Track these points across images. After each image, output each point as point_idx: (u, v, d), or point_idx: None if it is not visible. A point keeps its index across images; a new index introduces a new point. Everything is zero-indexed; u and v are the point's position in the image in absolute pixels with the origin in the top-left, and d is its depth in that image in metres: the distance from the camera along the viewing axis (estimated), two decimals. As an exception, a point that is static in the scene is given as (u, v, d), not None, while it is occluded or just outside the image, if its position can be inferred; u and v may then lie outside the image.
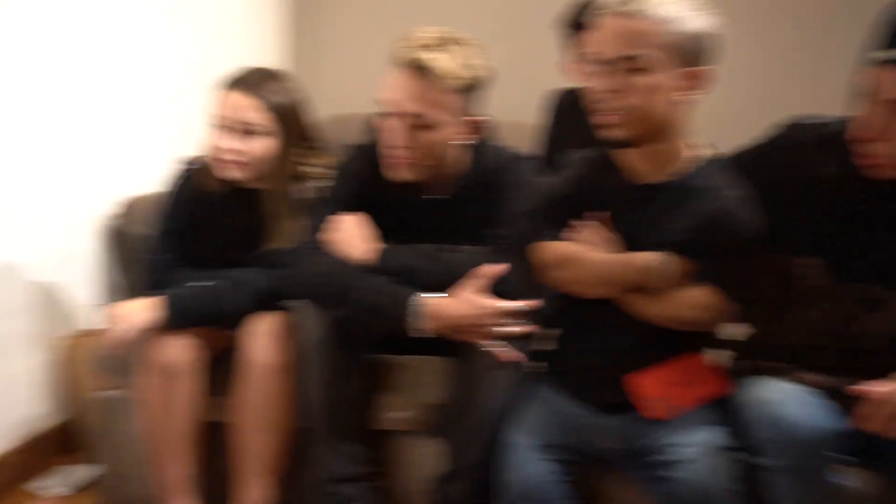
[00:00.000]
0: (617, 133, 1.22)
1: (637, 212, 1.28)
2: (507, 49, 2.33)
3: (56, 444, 1.90)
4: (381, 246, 1.42)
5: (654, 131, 1.23)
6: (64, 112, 1.86)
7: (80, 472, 1.83)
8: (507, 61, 2.30)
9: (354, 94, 2.41)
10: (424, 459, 1.50)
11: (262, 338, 1.47)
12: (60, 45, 1.83)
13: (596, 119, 1.24)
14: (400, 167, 1.41)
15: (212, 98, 1.59)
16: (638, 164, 1.28)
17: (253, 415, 1.47)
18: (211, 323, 1.53)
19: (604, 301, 1.27)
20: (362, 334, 1.43)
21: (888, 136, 1.14)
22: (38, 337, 1.86)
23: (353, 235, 1.43)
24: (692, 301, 1.24)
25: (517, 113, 1.97)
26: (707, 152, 1.30)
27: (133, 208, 1.97)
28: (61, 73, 1.84)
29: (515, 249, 1.36)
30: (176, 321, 1.47)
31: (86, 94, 1.92)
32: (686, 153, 1.28)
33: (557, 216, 1.32)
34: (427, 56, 1.34)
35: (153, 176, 2.15)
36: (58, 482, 1.79)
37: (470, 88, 1.39)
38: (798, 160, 1.28)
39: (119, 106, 2.04)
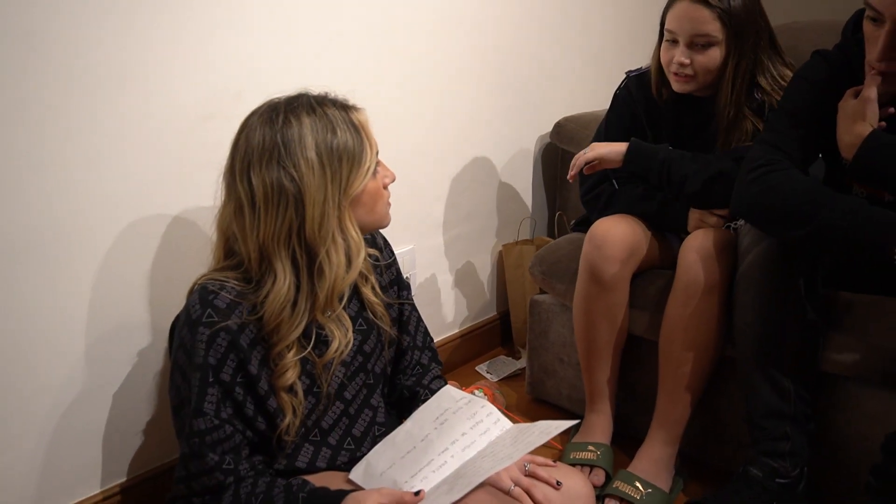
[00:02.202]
0: None
1: None
2: None
3: (496, 335, 2.16)
4: (875, 134, 1.21)
5: None
6: (519, 35, 2.00)
7: (511, 364, 2.04)
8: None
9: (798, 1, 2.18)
10: (877, 412, 1.32)
11: (697, 254, 1.43)
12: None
13: None
14: (886, 79, 1.20)
15: (662, 11, 1.55)
16: None
17: (680, 332, 1.46)
18: (655, 183, 1.53)
19: None
20: (814, 260, 1.29)
21: None
22: (490, 239, 2.10)
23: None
24: None
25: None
26: None
27: (566, 127, 2.08)
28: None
29: None
30: (633, 162, 1.52)
31: (537, 20, 2.05)
32: None
33: None
34: None
35: (591, 96, 2.24)
36: (490, 368, 2.03)
37: None
38: None
39: (561, 28, 2.13)
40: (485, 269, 2.10)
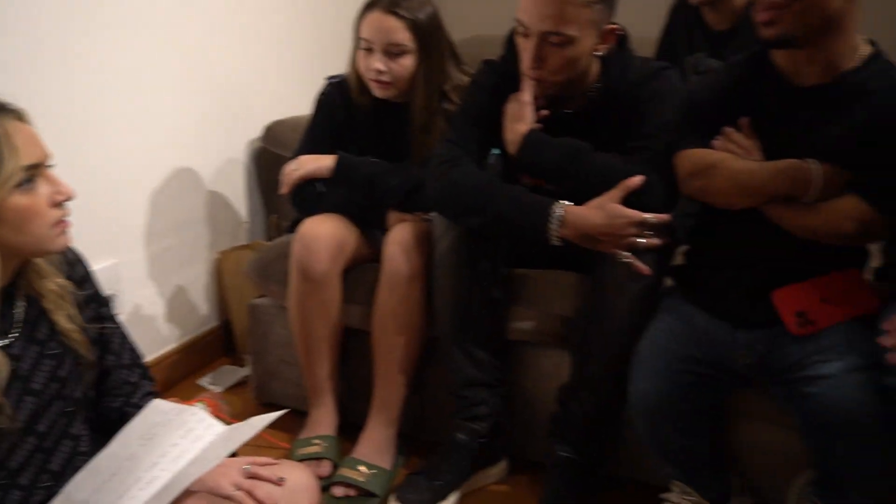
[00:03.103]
0: (776, 30, 1.14)
1: (793, 117, 1.21)
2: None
3: (218, 346, 2.10)
4: (532, 130, 1.41)
5: (820, 26, 1.13)
6: (222, 39, 2.00)
7: (235, 373, 2.01)
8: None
9: (481, 15, 2.44)
10: (552, 370, 1.54)
11: (398, 247, 1.54)
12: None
13: (756, 15, 1.16)
14: (538, 84, 1.40)
15: (355, 20, 1.65)
16: (798, 65, 1.19)
17: (389, 320, 1.56)
18: (360, 197, 1.63)
19: (748, 212, 1.23)
20: (494, 244, 1.46)
21: None
22: (204, 248, 2.04)
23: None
24: (845, 212, 1.16)
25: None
26: (868, 49, 1.20)
27: (276, 131, 2.11)
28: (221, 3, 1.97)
29: (658, 161, 1.33)
30: (341, 176, 1.61)
31: (238, 26, 2.05)
32: (854, 51, 1.18)
33: (704, 124, 1.28)
34: None
35: (297, 100, 2.27)
36: (214, 380, 1.99)
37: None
38: None
39: (263, 33, 2.15)
40: (202, 279, 2.05)
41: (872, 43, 1.21)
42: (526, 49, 1.38)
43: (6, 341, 1.03)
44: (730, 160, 1.23)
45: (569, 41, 1.34)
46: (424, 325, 1.58)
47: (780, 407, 1.27)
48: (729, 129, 1.25)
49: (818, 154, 1.17)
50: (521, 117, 1.41)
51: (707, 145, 1.26)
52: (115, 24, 1.68)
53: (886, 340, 1.02)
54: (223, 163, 2.07)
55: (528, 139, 1.39)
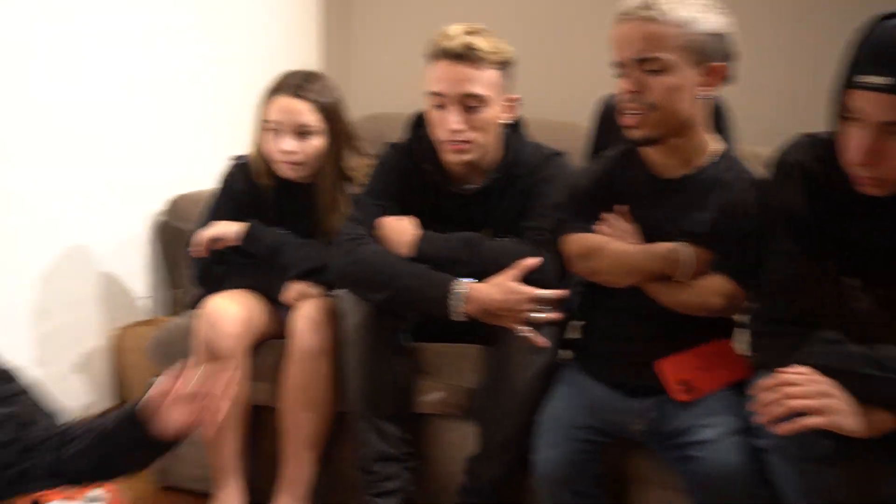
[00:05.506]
0: (641, 132, 1.29)
1: (661, 204, 1.35)
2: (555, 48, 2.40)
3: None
4: (420, 233, 1.50)
5: (676, 128, 1.30)
6: (117, 111, 1.98)
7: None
8: (555, 61, 2.41)
9: (382, 94, 2.54)
10: (459, 441, 1.58)
11: (306, 322, 1.56)
12: (112, 48, 1.95)
13: (621, 119, 1.31)
14: (461, 150, 1.48)
15: (260, 102, 1.69)
16: (661, 159, 1.35)
17: (298, 395, 1.57)
18: (266, 268, 1.66)
19: (630, 290, 1.34)
20: (401, 320, 1.52)
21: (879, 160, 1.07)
22: (97, 326, 1.98)
23: (397, 231, 1.51)
24: (712, 289, 1.29)
25: (568, 114, 2.07)
26: (721, 146, 1.37)
27: (180, 205, 2.09)
28: (115, 73, 1.97)
29: (547, 241, 1.43)
30: (250, 243, 1.65)
31: (139, 96, 2.05)
32: (705, 148, 1.35)
33: (586, 209, 1.40)
34: (470, 40, 1.44)
35: (201, 174, 2.27)
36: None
37: (508, 65, 1.49)
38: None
39: (168, 106, 2.15)
40: (98, 357, 1.97)
41: (722, 139, 1.38)
42: (441, 120, 1.47)
43: None
44: (612, 243, 1.35)
45: (483, 102, 1.45)
46: (332, 401, 1.59)
47: (670, 470, 1.35)
48: (609, 215, 1.37)
49: (686, 237, 1.31)
50: (402, 229, 1.51)
51: (589, 229, 1.38)
52: (17, 78, 1.64)
53: (753, 405, 1.13)
54: (120, 237, 2.03)
55: (422, 239, 1.49)
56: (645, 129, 1.29)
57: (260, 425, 1.67)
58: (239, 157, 1.78)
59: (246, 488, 1.64)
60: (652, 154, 1.35)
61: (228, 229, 1.67)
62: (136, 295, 2.09)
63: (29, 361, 1.76)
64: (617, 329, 1.39)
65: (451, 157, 1.51)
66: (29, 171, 1.74)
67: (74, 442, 1.15)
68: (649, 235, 1.34)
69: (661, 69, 1.24)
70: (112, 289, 2.01)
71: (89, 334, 1.96)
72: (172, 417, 1.10)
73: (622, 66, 1.28)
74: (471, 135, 1.47)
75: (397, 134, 1.64)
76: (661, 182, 1.35)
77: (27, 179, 1.73)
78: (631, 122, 1.29)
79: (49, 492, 1.26)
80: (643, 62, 1.25)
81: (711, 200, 1.31)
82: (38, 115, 1.76)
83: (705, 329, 1.34)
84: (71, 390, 1.89)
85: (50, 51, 1.77)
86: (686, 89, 1.26)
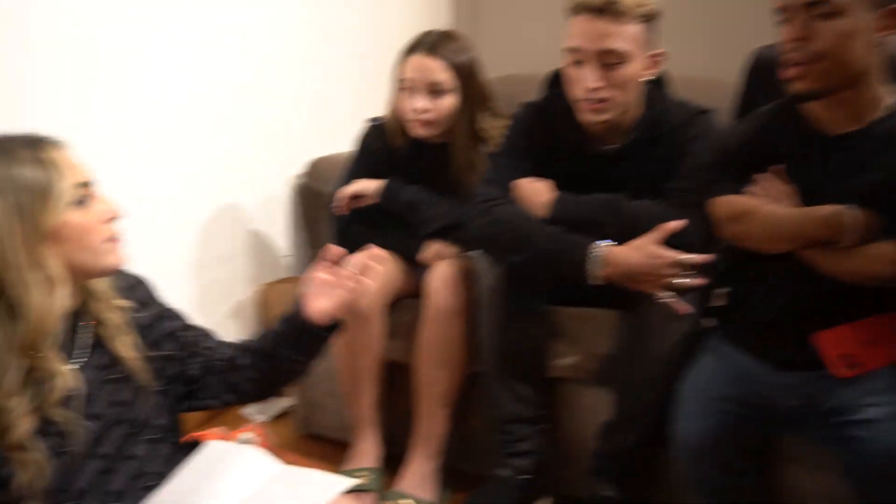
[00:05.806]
0: (805, 85, 1.17)
1: (823, 163, 1.23)
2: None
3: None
4: (556, 194, 1.47)
5: (846, 80, 1.17)
6: (262, 82, 2.07)
7: (279, 403, 2.06)
8: (702, 13, 2.28)
9: (513, 55, 2.48)
10: (591, 406, 1.56)
11: (442, 282, 1.58)
12: (250, 17, 2.03)
13: (782, 72, 1.20)
14: (598, 109, 1.43)
15: (395, 62, 1.70)
16: (827, 113, 1.22)
17: (432, 354, 1.60)
18: (404, 228, 1.70)
19: (784, 256, 1.24)
20: (536, 282, 1.50)
21: None
22: (246, 281, 2.10)
23: (532, 192, 1.49)
24: (882, 256, 1.17)
25: (715, 70, 1.94)
26: (893, 98, 1.22)
27: (319, 167, 2.16)
28: (257, 45, 2.05)
29: (693, 203, 1.35)
30: (388, 200, 1.70)
31: (280, 65, 2.13)
32: (880, 101, 1.20)
33: (736, 169, 1.30)
34: None
35: (340, 137, 2.34)
36: (259, 410, 2.03)
37: (652, 18, 1.41)
38: None
39: (307, 73, 2.22)
40: (245, 310, 2.10)
41: None
42: (579, 78, 1.42)
43: (70, 366, 1.08)
44: (764, 206, 1.25)
45: (624, 59, 1.38)
46: (466, 361, 1.61)
47: (823, 450, 1.27)
48: (764, 176, 1.27)
49: (852, 200, 1.18)
50: (538, 191, 1.47)
51: (740, 191, 1.28)
52: (165, 63, 1.76)
53: None
54: (266, 199, 2.14)
55: (557, 202, 1.45)
56: (810, 82, 1.17)
57: (396, 381, 1.72)
58: (375, 119, 1.81)
59: (382, 440, 1.71)
60: (815, 108, 1.23)
61: (368, 186, 1.72)
62: (280, 254, 2.20)
63: (189, 310, 1.90)
64: (768, 298, 1.29)
65: (587, 117, 1.45)
66: (188, 142, 1.86)
67: (246, 354, 1.26)
68: (808, 198, 1.22)
69: (832, 12, 1.12)
70: (259, 247, 2.12)
71: (239, 288, 2.08)
72: (324, 300, 1.20)
73: (785, 11, 1.16)
74: (609, 93, 1.41)
75: (530, 96, 1.61)
76: (825, 139, 1.23)
77: (187, 150, 1.85)
78: (794, 74, 1.18)
79: (207, 432, 1.36)
80: (811, 6, 1.13)
81: (885, 159, 1.18)
82: (198, 92, 1.86)
83: (870, 300, 1.22)
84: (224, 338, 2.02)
85: (199, 32, 1.87)
86: (860, 35, 1.13)
